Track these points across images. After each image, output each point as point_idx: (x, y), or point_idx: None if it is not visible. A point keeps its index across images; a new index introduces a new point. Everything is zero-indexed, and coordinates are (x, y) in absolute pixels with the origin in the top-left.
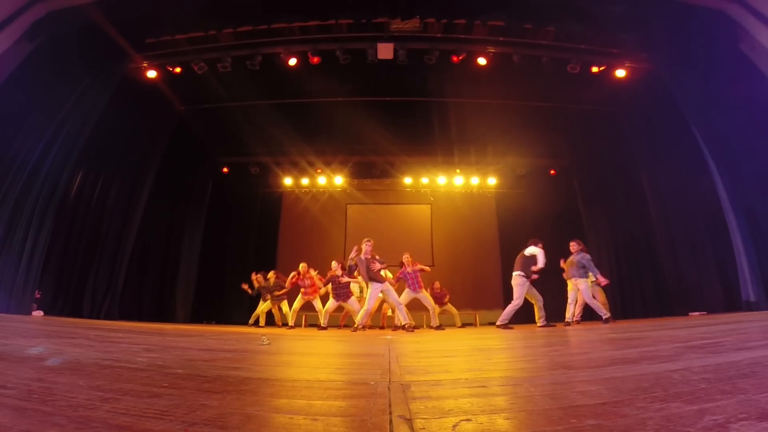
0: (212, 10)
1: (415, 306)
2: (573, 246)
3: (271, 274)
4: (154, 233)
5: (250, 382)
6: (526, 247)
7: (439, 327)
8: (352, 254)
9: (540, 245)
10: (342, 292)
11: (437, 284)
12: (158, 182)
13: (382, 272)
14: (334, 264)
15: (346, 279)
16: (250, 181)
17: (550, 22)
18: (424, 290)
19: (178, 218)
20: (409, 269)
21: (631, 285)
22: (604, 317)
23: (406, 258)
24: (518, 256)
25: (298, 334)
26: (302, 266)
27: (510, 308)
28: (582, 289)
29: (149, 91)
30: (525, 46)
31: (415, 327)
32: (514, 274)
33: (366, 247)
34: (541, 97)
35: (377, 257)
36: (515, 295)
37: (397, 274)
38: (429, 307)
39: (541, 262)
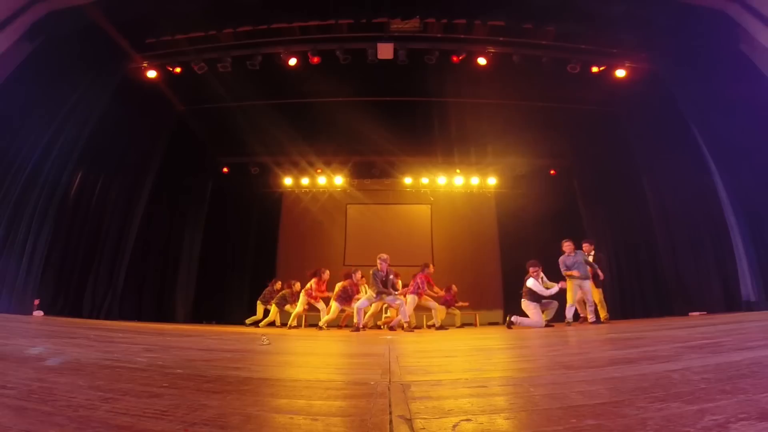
0: (212, 10)
1: (416, 306)
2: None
3: (297, 285)
4: (154, 233)
5: (250, 382)
6: (527, 275)
7: (442, 327)
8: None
9: (538, 268)
10: (346, 297)
11: (454, 288)
12: (158, 182)
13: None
14: (359, 275)
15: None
16: (250, 181)
17: (550, 22)
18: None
19: (178, 218)
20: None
21: (631, 285)
22: (591, 319)
23: (431, 269)
24: (525, 287)
25: (298, 334)
26: (326, 273)
27: (529, 323)
28: (586, 288)
29: (149, 92)
30: (525, 46)
31: (416, 327)
32: (528, 302)
33: (382, 264)
34: (542, 97)
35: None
36: (532, 317)
37: (420, 279)
38: (432, 307)
39: (550, 292)
